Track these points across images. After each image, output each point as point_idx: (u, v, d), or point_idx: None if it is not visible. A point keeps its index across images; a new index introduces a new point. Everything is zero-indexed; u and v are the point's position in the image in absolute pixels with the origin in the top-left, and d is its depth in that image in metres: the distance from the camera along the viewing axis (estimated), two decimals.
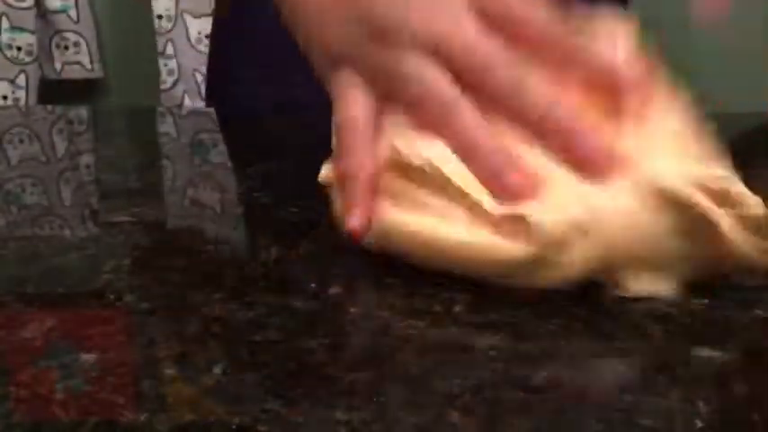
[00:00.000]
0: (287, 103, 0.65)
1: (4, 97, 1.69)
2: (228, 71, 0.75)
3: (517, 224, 0.34)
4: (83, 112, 0.75)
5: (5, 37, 1.69)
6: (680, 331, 0.33)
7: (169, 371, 0.29)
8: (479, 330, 0.32)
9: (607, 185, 0.35)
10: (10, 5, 1.68)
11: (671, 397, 0.28)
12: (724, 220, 0.34)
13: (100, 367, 0.29)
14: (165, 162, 0.57)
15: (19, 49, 1.69)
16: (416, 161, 0.36)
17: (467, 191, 0.35)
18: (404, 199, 0.37)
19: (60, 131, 0.66)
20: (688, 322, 0.33)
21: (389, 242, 0.37)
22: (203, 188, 0.49)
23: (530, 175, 0.35)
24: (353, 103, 0.38)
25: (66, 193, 0.50)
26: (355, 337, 0.31)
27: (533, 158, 0.36)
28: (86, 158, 0.59)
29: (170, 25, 1.67)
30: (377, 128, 0.38)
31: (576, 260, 0.34)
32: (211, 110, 0.73)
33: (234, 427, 0.26)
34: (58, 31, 1.74)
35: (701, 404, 0.27)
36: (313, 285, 0.36)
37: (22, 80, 1.70)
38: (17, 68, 1.70)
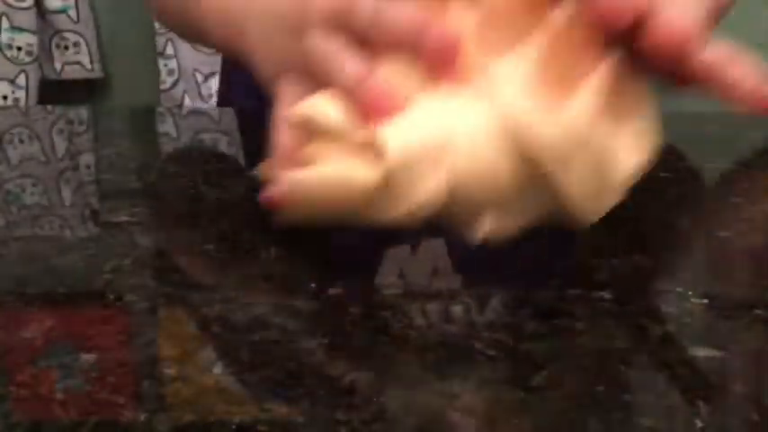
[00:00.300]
0: None
1: (4, 97, 1.69)
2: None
3: (370, 150, 0.33)
4: (83, 112, 0.75)
5: (5, 37, 1.69)
6: (680, 331, 0.33)
7: (169, 371, 0.29)
8: (479, 330, 0.32)
9: (466, 110, 0.34)
10: (10, 5, 1.68)
11: (671, 397, 0.28)
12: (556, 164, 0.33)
13: (100, 367, 0.29)
14: (165, 162, 0.57)
15: (19, 49, 1.69)
16: (299, 112, 0.37)
17: (340, 125, 0.35)
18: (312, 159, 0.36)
19: (60, 131, 0.66)
20: (688, 322, 0.33)
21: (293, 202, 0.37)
22: (203, 188, 0.49)
23: (390, 91, 0.35)
24: (285, 104, 0.40)
25: (67, 193, 0.50)
26: (355, 337, 0.31)
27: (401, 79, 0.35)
28: (86, 158, 0.59)
29: None
30: None
31: (423, 190, 0.33)
32: (212, 110, 0.73)
33: (234, 427, 0.26)
34: (58, 31, 1.75)
35: (700, 404, 0.27)
36: (313, 285, 0.36)
37: (22, 80, 1.70)
38: (17, 68, 1.70)
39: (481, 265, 0.38)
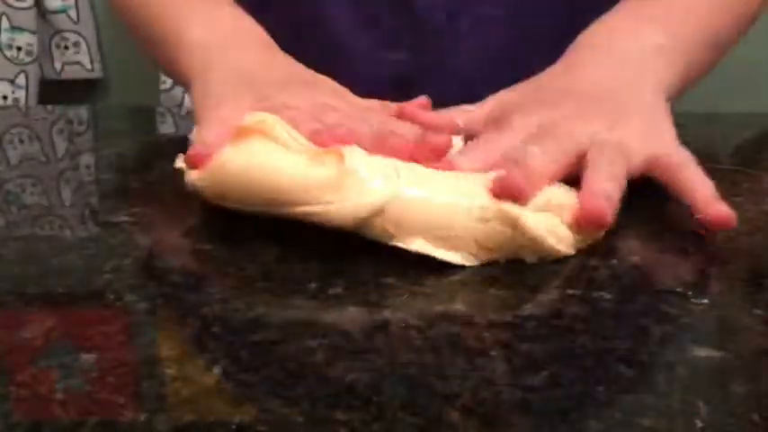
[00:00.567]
0: None
1: (4, 97, 1.69)
2: None
3: (327, 155, 0.39)
4: (83, 112, 0.75)
5: (5, 37, 1.69)
6: (680, 331, 0.33)
7: (169, 371, 0.29)
8: (479, 330, 0.32)
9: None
10: (10, 5, 1.68)
11: (671, 397, 0.28)
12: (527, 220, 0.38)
13: (100, 367, 0.29)
14: (165, 162, 0.57)
15: (19, 49, 1.69)
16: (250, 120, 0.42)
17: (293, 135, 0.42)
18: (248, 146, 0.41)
19: (60, 131, 0.66)
20: (688, 322, 0.33)
21: (224, 180, 0.41)
22: None
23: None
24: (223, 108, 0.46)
25: (67, 193, 0.50)
26: (355, 337, 0.31)
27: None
28: (86, 158, 0.59)
29: None
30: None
31: (372, 195, 0.38)
32: None
33: (234, 427, 0.26)
34: (58, 31, 1.74)
35: (701, 404, 0.27)
36: (313, 285, 0.36)
37: (22, 80, 1.70)
38: (17, 68, 1.70)
39: (481, 264, 0.38)
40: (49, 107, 0.90)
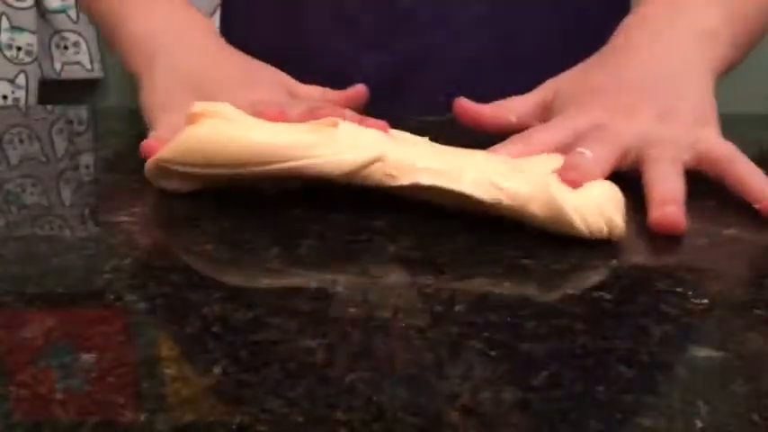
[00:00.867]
0: None
1: (4, 97, 1.69)
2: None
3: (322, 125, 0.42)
4: (83, 112, 0.75)
5: (5, 37, 1.69)
6: (680, 331, 0.33)
7: (169, 371, 0.29)
8: (479, 330, 0.32)
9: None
10: (10, 5, 1.68)
11: (671, 397, 0.28)
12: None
13: (100, 367, 0.29)
14: None
15: (19, 49, 1.69)
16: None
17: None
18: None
19: (60, 131, 0.66)
20: (688, 322, 0.33)
21: (191, 152, 0.44)
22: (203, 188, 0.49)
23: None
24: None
25: (66, 193, 0.50)
26: (355, 337, 0.31)
27: None
28: (86, 158, 0.59)
29: None
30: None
31: (365, 149, 0.41)
32: None
33: (234, 427, 0.26)
34: (58, 31, 1.75)
35: (700, 404, 0.27)
36: (314, 285, 0.36)
37: (22, 80, 1.70)
38: (17, 68, 1.70)
39: (482, 263, 0.38)
40: (49, 107, 0.90)
